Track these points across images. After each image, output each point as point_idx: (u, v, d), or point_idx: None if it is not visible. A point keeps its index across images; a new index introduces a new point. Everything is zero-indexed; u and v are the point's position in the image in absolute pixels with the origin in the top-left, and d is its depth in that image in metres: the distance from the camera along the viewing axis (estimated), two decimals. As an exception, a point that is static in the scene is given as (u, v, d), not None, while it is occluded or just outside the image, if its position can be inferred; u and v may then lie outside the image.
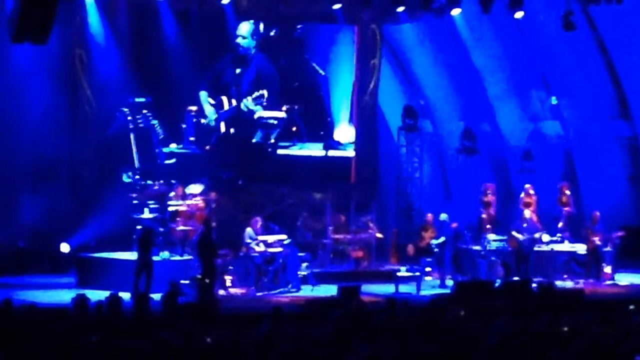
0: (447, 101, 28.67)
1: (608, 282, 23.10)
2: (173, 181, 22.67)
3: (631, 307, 14.38)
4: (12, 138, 22.77)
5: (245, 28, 24.70)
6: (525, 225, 23.42)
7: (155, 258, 20.09)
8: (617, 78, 26.95)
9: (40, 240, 22.78)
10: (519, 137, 28.01)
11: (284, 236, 21.80)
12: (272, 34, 25.00)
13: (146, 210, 21.70)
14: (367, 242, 24.37)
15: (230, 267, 20.81)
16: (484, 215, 25.37)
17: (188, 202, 21.98)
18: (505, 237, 23.57)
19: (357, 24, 26.09)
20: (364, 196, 25.59)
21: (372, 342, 10.88)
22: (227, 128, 24.69)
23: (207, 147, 24.34)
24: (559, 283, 21.38)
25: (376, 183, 26.85)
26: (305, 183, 25.42)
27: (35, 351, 10.55)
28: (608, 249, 23.52)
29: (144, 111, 23.42)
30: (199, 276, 19.17)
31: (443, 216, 23.45)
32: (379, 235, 24.67)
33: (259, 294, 20.55)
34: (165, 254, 21.19)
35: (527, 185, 25.06)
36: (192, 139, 24.24)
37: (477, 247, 23.55)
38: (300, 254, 21.98)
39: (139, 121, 23.41)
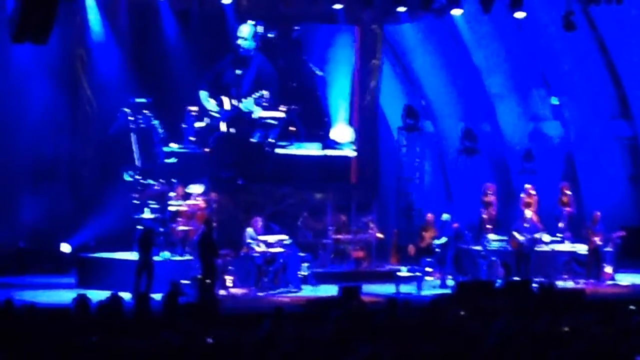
0: (447, 101, 28.69)
1: (609, 282, 23.10)
2: (173, 180, 22.68)
3: (631, 307, 14.36)
4: (12, 138, 22.77)
5: (246, 30, 24.75)
6: (525, 225, 23.41)
7: (155, 258, 20.08)
8: (617, 78, 26.95)
9: (40, 240, 22.78)
10: (520, 137, 28.01)
11: (284, 236, 21.80)
12: (270, 35, 25.04)
13: (147, 210, 21.71)
14: (367, 242, 24.37)
15: (231, 267, 20.80)
16: (484, 216, 25.36)
17: (189, 202, 21.99)
18: (505, 237, 23.58)
19: (357, 24, 26.13)
20: (364, 196, 25.60)
21: (372, 342, 10.87)
22: (227, 128, 24.72)
23: (206, 149, 24.36)
24: (559, 283, 21.39)
25: (377, 183, 26.88)
26: (306, 183, 25.47)
27: (36, 351, 10.54)
28: (609, 249, 23.52)
29: (145, 111, 23.43)
30: (200, 276, 19.17)
31: (445, 216, 23.45)
32: (379, 235, 24.67)
33: (259, 294, 20.54)
34: (165, 254, 21.19)
35: (527, 186, 25.05)
36: (192, 138, 24.28)
37: (478, 247, 23.56)
38: (300, 254, 21.97)
39: (140, 121, 23.42)
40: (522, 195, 24.92)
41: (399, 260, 24.83)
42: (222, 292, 20.11)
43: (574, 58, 26.68)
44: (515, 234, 23.25)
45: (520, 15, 23.90)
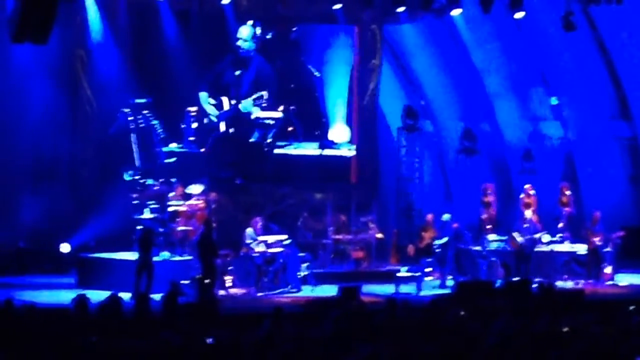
0: (447, 101, 28.68)
1: (608, 283, 23.08)
2: (173, 180, 22.68)
3: (631, 307, 14.37)
4: (12, 138, 22.78)
5: (246, 31, 24.77)
6: (525, 225, 23.41)
7: (155, 258, 20.09)
8: (617, 78, 26.96)
9: (40, 240, 22.78)
10: (519, 137, 28.01)
11: (284, 236, 21.80)
12: (268, 37, 25.06)
13: (146, 210, 21.71)
14: (367, 242, 24.37)
15: (231, 268, 20.81)
16: (484, 216, 25.36)
17: (188, 202, 21.99)
18: (505, 238, 23.57)
19: (357, 24, 26.12)
20: (364, 196, 25.61)
21: (372, 342, 10.88)
22: (227, 128, 24.73)
23: (203, 150, 24.39)
24: (559, 283, 21.40)
25: (376, 183, 26.87)
26: (305, 183, 25.47)
27: (36, 351, 10.55)
28: (608, 249, 23.50)
29: (145, 111, 23.44)
30: (199, 276, 19.17)
31: (446, 216, 23.44)
32: (379, 235, 24.67)
33: (259, 294, 20.55)
34: (165, 254, 21.19)
35: (527, 186, 25.03)
36: (191, 139, 24.29)
37: (478, 248, 23.55)
38: (300, 254, 21.96)
39: (140, 121, 23.43)
40: (521, 195, 24.91)
41: (398, 261, 24.83)
42: (221, 292, 20.12)
43: (574, 58, 26.68)
44: (515, 234, 23.25)
45: (519, 15, 23.91)
